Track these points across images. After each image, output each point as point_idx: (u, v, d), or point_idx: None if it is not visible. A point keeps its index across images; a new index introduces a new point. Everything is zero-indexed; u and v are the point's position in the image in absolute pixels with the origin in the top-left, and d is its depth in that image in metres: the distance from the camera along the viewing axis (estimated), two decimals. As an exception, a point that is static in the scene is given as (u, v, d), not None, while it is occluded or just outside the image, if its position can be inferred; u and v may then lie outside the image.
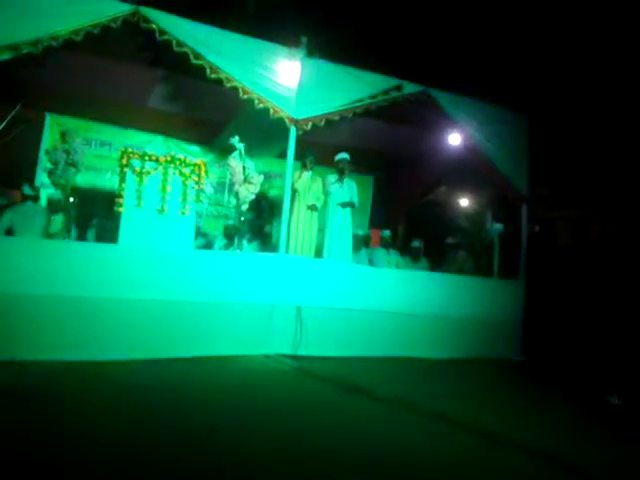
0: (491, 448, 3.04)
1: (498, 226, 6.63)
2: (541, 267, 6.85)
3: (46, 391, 3.46)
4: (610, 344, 5.36)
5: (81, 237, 6.08)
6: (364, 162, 7.18)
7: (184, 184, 5.00)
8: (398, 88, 5.80)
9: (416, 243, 7.25)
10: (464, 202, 7.58)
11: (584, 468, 2.80)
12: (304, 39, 5.40)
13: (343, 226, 6.06)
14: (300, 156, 5.81)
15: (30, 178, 6.55)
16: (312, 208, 6.03)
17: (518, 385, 5.21)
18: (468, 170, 6.75)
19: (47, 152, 5.75)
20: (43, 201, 5.88)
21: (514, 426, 3.49)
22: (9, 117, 5.58)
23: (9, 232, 5.17)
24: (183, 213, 4.99)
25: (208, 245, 6.80)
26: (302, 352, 5.20)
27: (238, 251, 5.51)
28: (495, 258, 6.53)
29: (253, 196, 5.44)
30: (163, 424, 2.99)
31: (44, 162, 6.35)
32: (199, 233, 6.57)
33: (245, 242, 6.17)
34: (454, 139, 6.21)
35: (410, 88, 5.85)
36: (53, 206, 5.52)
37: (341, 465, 2.63)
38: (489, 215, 6.76)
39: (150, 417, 3.12)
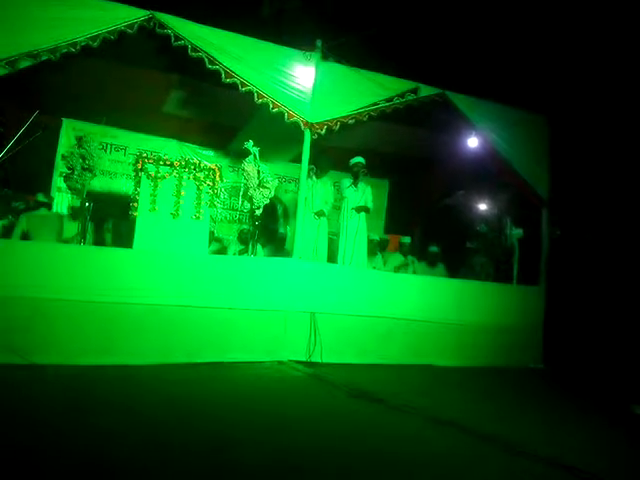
0: (508, 458, 2.93)
1: (518, 231, 6.48)
2: (563, 273, 6.68)
3: (71, 395, 3.48)
4: (635, 352, 5.18)
5: (97, 241, 6.10)
6: (380, 166, 7.10)
7: (198, 188, 4.99)
8: (414, 91, 5.72)
9: (433, 248, 7.14)
10: (483, 206, 7.44)
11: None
12: (319, 42, 5.37)
13: (358, 231, 5.98)
14: (316, 161, 5.77)
15: (47, 183, 6.63)
16: (319, 214, 5.98)
17: (537, 394, 5.04)
18: (486, 173, 6.62)
19: (63, 157, 5.78)
20: (58, 207, 5.94)
21: (532, 435, 3.37)
22: (27, 123, 5.64)
23: (25, 237, 5.22)
24: (197, 217, 4.97)
25: (222, 250, 6.78)
26: (316, 359, 5.12)
27: (252, 256, 5.46)
28: (515, 264, 6.38)
29: (267, 200, 5.40)
30: (183, 428, 2.98)
31: (60, 167, 6.42)
32: (213, 238, 6.56)
33: (259, 247, 6.14)
34: (472, 142, 6.11)
35: (426, 91, 5.76)
36: (76, 214, 5.58)
37: (356, 472, 2.56)
38: (508, 219, 6.62)
39: (167, 422, 3.11)
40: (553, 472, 2.78)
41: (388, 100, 5.58)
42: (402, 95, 5.65)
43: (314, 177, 5.99)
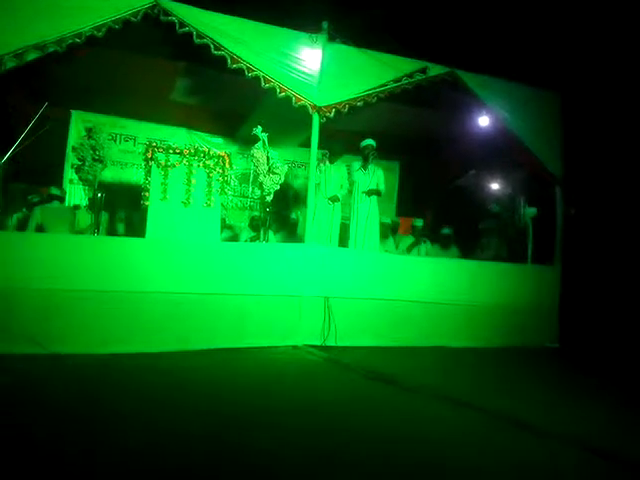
0: (528, 439, 2.92)
1: (531, 210, 6.39)
2: (578, 251, 6.60)
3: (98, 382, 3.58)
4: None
5: (110, 232, 6.16)
6: (390, 148, 7.03)
7: (209, 176, 4.98)
8: (423, 71, 5.63)
9: (446, 230, 7.09)
10: (495, 186, 7.35)
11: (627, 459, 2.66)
12: (325, 24, 5.29)
13: (369, 215, 5.94)
14: (324, 144, 5.72)
15: (59, 175, 6.68)
16: (334, 199, 5.94)
17: (552, 373, 5.03)
18: (498, 152, 6.53)
19: (74, 149, 5.82)
20: (70, 199, 6.00)
21: (549, 416, 3.35)
22: (37, 116, 5.67)
23: (39, 229, 5.28)
24: (208, 205, 4.98)
25: (234, 237, 6.80)
26: (330, 343, 5.15)
27: (264, 242, 5.47)
28: (529, 243, 6.31)
29: (278, 186, 5.39)
30: (207, 411, 3.04)
31: (71, 159, 6.46)
32: (225, 225, 6.57)
33: (271, 233, 6.14)
34: (483, 121, 6.01)
35: (436, 70, 5.67)
36: (89, 205, 5.63)
37: (373, 452, 2.58)
38: (522, 199, 6.52)
39: (191, 405, 3.16)
40: (580, 454, 2.76)
41: (397, 81, 5.50)
42: (411, 75, 5.57)
43: (327, 162, 5.93)
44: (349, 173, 6.04)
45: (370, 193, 5.97)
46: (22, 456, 2.27)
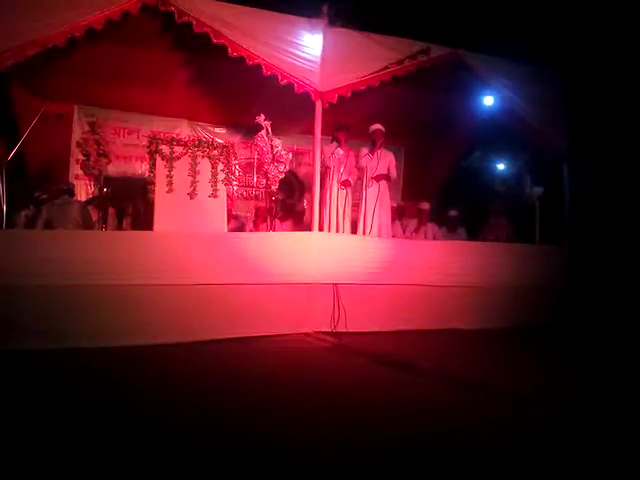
0: (551, 420, 2.94)
1: (538, 189, 6.35)
2: (586, 230, 6.56)
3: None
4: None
5: (117, 226, 6.19)
6: (394, 132, 6.98)
7: (213, 167, 4.98)
8: (425, 52, 5.56)
9: (453, 212, 7.07)
10: (501, 166, 7.30)
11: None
12: (325, 8, 5.22)
13: (379, 200, 5.89)
14: (329, 130, 5.69)
15: (64, 171, 6.69)
16: (345, 184, 5.91)
17: (563, 354, 5.01)
18: (503, 132, 6.46)
19: (78, 144, 5.82)
20: (76, 194, 6.01)
21: (564, 395, 3.39)
22: (40, 112, 5.68)
23: (47, 226, 5.30)
24: (214, 196, 4.98)
25: (240, 227, 6.81)
26: (341, 329, 5.17)
27: (271, 232, 5.48)
28: (536, 223, 6.28)
29: (283, 175, 5.37)
30: (220, 398, 3.14)
31: (76, 154, 6.46)
32: (231, 215, 6.58)
33: (278, 222, 6.14)
34: (487, 101, 5.95)
35: (438, 51, 5.59)
36: (95, 200, 5.65)
37: (392, 437, 2.61)
38: (528, 178, 6.47)
39: (205, 392, 3.25)
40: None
41: (399, 63, 5.44)
42: (413, 57, 5.50)
43: (339, 148, 5.89)
44: (357, 159, 5.99)
45: (380, 178, 5.92)
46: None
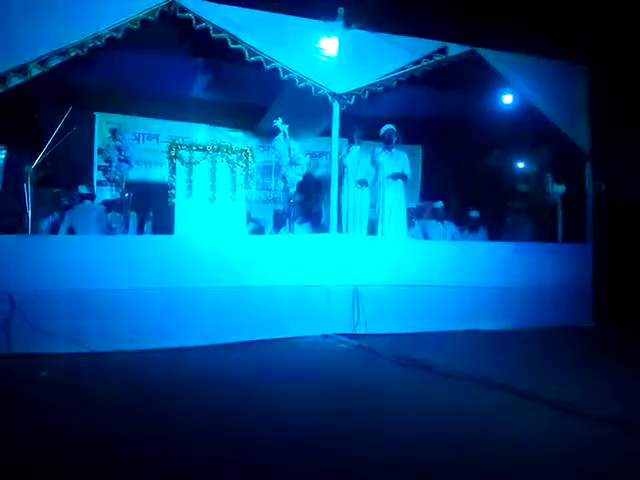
0: (573, 423, 2.87)
1: (560, 187, 6.24)
2: (611, 228, 6.42)
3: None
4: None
5: (139, 231, 6.27)
6: (412, 132, 6.94)
7: (232, 171, 5.02)
8: (442, 51, 5.52)
9: (473, 213, 7.00)
10: (522, 165, 7.19)
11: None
12: (341, 10, 5.23)
13: (395, 200, 5.87)
14: (346, 132, 5.69)
15: (87, 178, 6.81)
16: (362, 183, 5.89)
17: (589, 354, 4.89)
18: (524, 131, 6.37)
19: (100, 151, 5.93)
20: (99, 200, 6.12)
21: (592, 397, 3.29)
22: (62, 120, 5.78)
23: (70, 232, 5.41)
24: (233, 200, 5.02)
25: (259, 230, 6.84)
26: (361, 330, 5.16)
27: (290, 234, 5.50)
28: (559, 222, 6.18)
29: (300, 177, 5.39)
30: (246, 400, 3.18)
31: (98, 161, 6.58)
32: (250, 219, 6.61)
33: (296, 224, 6.16)
34: (507, 99, 5.88)
35: (455, 50, 5.55)
36: (117, 205, 5.73)
37: (415, 439, 2.58)
38: (550, 177, 6.37)
39: (230, 396, 3.29)
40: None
41: (416, 63, 5.42)
42: (430, 56, 5.47)
43: (357, 145, 5.87)
44: (372, 159, 5.97)
45: (395, 177, 5.89)
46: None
